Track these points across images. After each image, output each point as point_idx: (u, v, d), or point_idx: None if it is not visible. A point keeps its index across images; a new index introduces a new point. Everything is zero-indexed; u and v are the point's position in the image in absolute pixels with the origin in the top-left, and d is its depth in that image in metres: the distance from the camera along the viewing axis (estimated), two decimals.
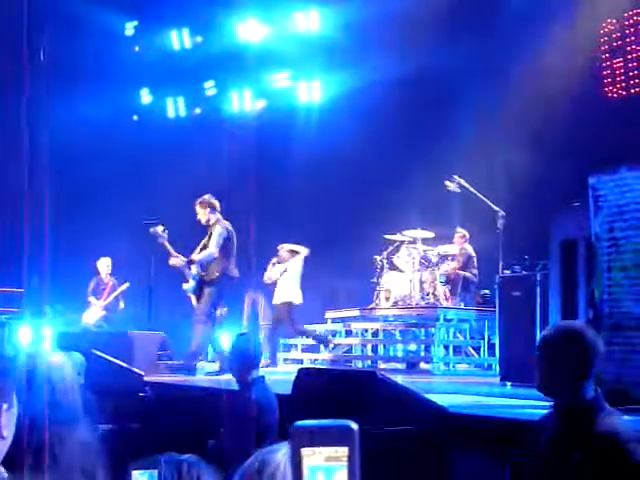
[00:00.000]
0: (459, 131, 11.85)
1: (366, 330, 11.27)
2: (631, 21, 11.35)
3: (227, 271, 9.21)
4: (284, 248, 11.17)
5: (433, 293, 11.00)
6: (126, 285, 12.44)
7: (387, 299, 11.22)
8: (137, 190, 13.77)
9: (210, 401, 5.93)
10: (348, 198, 13.26)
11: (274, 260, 11.25)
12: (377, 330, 11.28)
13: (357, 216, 12.81)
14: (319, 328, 11.61)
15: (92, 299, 12.35)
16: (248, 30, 14.99)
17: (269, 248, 11.39)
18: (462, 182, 10.52)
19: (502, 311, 8.29)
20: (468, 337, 10.57)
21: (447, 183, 10.64)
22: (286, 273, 10.95)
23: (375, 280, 11.58)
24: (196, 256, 9.23)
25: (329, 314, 11.87)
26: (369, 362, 11.07)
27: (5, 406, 1.90)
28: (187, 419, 6.25)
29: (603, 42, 11.60)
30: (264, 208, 12.62)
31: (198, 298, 9.21)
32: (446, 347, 10.19)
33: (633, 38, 11.30)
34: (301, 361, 11.29)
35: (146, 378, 7.71)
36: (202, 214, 9.31)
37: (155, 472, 1.78)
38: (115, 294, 12.38)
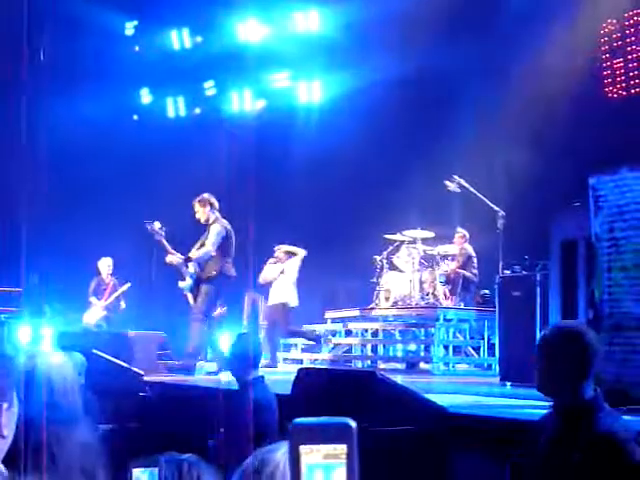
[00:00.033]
0: (459, 131, 11.85)
1: (366, 330, 11.26)
2: (631, 21, 11.34)
3: (224, 270, 9.20)
4: (281, 249, 11.17)
5: (433, 293, 10.99)
6: (127, 285, 12.44)
7: (387, 299, 11.22)
8: (137, 190, 13.77)
9: (210, 401, 5.92)
10: (348, 198, 13.26)
11: (271, 261, 11.25)
12: (377, 330, 11.27)
13: (357, 216, 12.81)
14: (319, 328, 11.61)
15: (93, 299, 12.34)
16: (248, 30, 14.99)
17: (269, 248, 11.39)
18: (462, 182, 10.52)
19: (502, 311, 8.29)
20: (468, 337, 10.56)
21: (447, 183, 10.64)
22: (283, 274, 10.95)
23: (375, 280, 11.58)
24: (193, 254, 9.23)
25: (329, 314, 11.87)
26: (369, 362, 11.07)
27: (5, 405, 1.90)
28: (187, 419, 6.25)
29: (603, 42, 11.60)
30: (264, 208, 12.62)
31: (195, 297, 9.21)
32: (446, 347, 10.19)
33: (633, 38, 11.30)
34: (301, 361, 11.28)
35: (146, 378, 7.72)
36: (201, 212, 9.31)
37: (155, 470, 1.78)
38: (116, 294, 12.37)
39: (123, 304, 12.53)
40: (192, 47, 15.54)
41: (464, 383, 8.37)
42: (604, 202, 5.41)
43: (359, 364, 10.92)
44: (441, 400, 5.18)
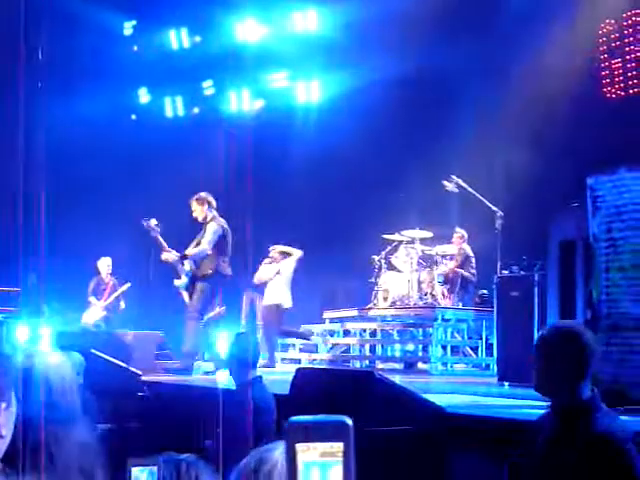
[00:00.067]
0: (458, 131, 11.86)
1: (364, 330, 11.26)
2: (630, 22, 11.36)
3: (220, 269, 9.21)
4: (276, 249, 11.17)
5: (431, 293, 11.00)
6: (127, 286, 12.44)
7: (385, 299, 11.22)
8: (135, 189, 13.76)
9: (208, 401, 5.92)
10: (346, 198, 13.27)
11: (266, 261, 11.25)
12: (375, 330, 11.27)
13: (355, 216, 12.81)
14: (317, 328, 11.61)
15: (92, 299, 12.34)
16: (246, 30, 14.99)
17: (267, 248, 11.39)
18: (460, 182, 10.53)
19: (500, 311, 8.29)
20: (466, 337, 10.56)
21: (445, 183, 10.64)
22: (278, 275, 10.95)
23: (373, 280, 11.58)
24: (189, 252, 9.24)
25: (327, 314, 11.87)
26: (367, 362, 11.07)
27: (3, 405, 1.90)
28: (185, 419, 6.25)
29: (602, 43, 11.61)
30: (262, 208, 12.61)
31: (190, 295, 9.21)
32: (444, 347, 10.18)
33: (632, 39, 11.31)
34: (299, 361, 11.28)
35: (144, 378, 7.72)
36: (199, 211, 9.33)
37: (154, 468, 1.78)
38: (116, 294, 12.37)
39: (123, 304, 12.53)
40: (190, 47, 15.53)
41: (462, 383, 8.37)
42: (602, 202, 5.41)
43: (357, 364, 10.92)
44: (439, 400, 5.18)
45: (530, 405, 5.02)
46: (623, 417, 3.54)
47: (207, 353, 9.81)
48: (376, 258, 11.57)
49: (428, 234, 11.38)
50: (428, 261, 11.20)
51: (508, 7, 11.71)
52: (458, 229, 11.48)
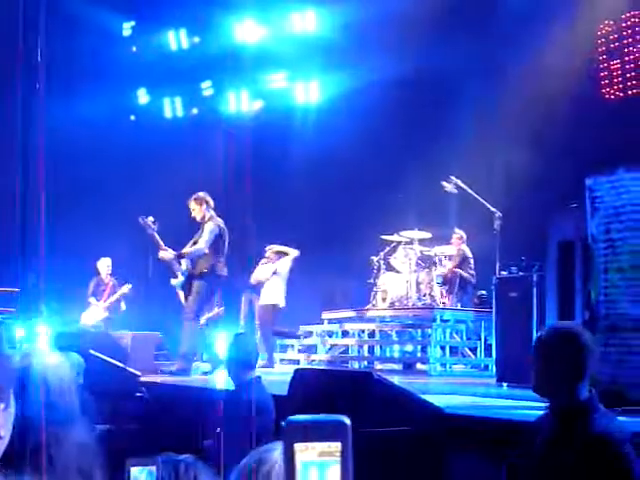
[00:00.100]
0: (457, 132, 11.86)
1: (363, 331, 11.25)
2: (628, 23, 11.37)
3: (215, 268, 9.23)
4: (272, 249, 11.18)
5: (430, 294, 11.00)
6: (127, 287, 12.42)
7: (384, 300, 11.22)
8: (134, 190, 13.75)
9: (207, 401, 5.92)
10: (345, 199, 13.27)
11: (262, 261, 11.25)
12: (374, 331, 11.26)
13: (354, 217, 12.81)
14: (316, 329, 11.61)
15: (92, 300, 12.33)
16: (245, 31, 14.99)
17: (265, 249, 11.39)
18: (459, 183, 10.53)
19: (499, 312, 8.28)
20: (465, 338, 10.56)
21: (444, 184, 10.64)
22: (275, 275, 10.95)
23: (372, 281, 11.58)
24: (186, 250, 9.27)
25: (326, 315, 11.87)
26: (365, 363, 11.06)
27: (2, 405, 1.90)
28: (184, 419, 6.25)
29: (601, 43, 11.62)
30: (261, 208, 12.63)
31: (187, 295, 9.23)
32: (443, 348, 10.18)
33: (630, 40, 11.32)
34: (298, 362, 11.28)
35: (143, 378, 7.72)
36: (197, 210, 9.37)
37: (153, 468, 1.78)
38: (116, 296, 12.35)
39: (123, 305, 12.52)
40: (189, 47, 15.54)
41: (461, 384, 8.36)
42: (600, 203, 5.41)
43: (356, 365, 10.91)
44: (438, 401, 5.18)
45: (528, 406, 5.03)
46: (621, 418, 3.55)
47: (205, 354, 9.81)
48: (375, 259, 11.57)
49: (427, 235, 11.38)
50: (427, 262, 11.21)
51: (507, 7, 11.72)
52: (457, 230, 11.48)
